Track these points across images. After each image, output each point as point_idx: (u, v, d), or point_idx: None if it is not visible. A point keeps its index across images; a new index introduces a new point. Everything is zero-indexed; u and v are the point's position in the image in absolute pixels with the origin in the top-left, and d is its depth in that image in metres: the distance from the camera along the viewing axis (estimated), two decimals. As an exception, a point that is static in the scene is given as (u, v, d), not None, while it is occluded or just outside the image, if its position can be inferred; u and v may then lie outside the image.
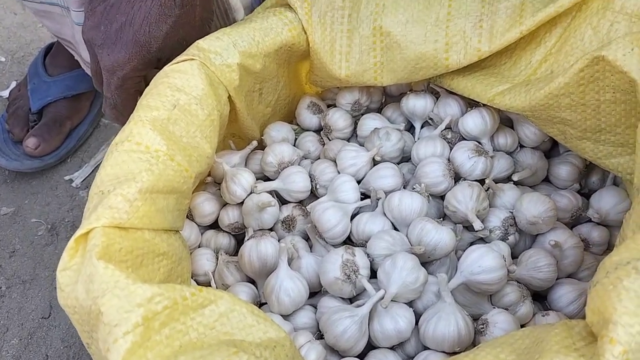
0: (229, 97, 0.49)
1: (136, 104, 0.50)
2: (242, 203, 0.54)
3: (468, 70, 0.53)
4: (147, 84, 0.50)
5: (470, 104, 0.57)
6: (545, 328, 0.33)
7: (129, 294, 0.34)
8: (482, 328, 0.42)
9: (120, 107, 0.50)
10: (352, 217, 0.52)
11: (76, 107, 0.84)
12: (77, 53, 0.72)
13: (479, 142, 0.54)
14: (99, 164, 0.82)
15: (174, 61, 0.47)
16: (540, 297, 0.49)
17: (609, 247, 0.51)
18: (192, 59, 0.46)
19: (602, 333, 0.29)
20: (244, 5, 0.69)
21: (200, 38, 0.49)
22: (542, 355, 0.29)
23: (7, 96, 0.94)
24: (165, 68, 0.46)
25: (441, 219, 0.50)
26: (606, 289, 0.30)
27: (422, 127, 0.60)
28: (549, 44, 0.49)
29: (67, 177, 0.82)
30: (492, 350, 0.32)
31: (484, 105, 0.54)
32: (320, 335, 0.45)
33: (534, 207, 0.48)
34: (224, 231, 0.56)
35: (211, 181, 0.58)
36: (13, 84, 0.98)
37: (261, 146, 0.60)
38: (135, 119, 0.43)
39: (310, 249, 0.53)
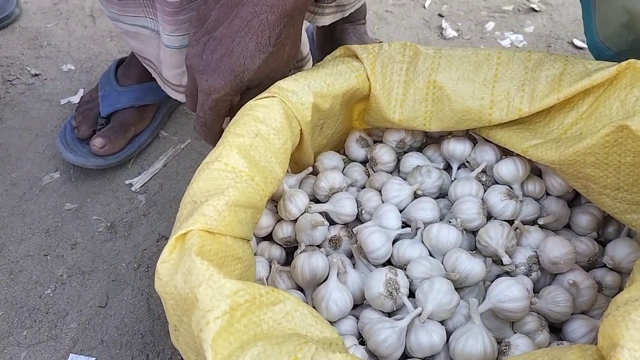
0: (300, 130, 0.57)
1: (222, 124, 0.58)
2: (295, 220, 0.62)
3: (505, 123, 0.60)
4: (232, 109, 0.58)
5: (505, 152, 0.64)
6: (562, 349, 0.39)
7: (220, 286, 0.41)
8: (504, 349, 0.49)
9: (209, 126, 0.57)
10: (393, 242, 0.59)
11: (141, 116, 0.93)
12: (156, 71, 0.81)
13: (511, 187, 0.61)
14: (157, 172, 0.91)
15: (257, 97, 0.55)
16: (556, 330, 0.55)
17: (619, 291, 0.57)
18: (273, 96, 0.55)
19: (610, 354, 0.35)
20: (302, 41, 0.78)
21: (285, 72, 0.57)
22: (560, 369, 0.36)
23: (76, 102, 1.04)
24: (250, 102, 0.54)
25: (473, 251, 0.57)
26: (616, 319, 0.37)
27: (458, 168, 0.67)
28: (581, 109, 0.56)
29: (127, 182, 0.90)
30: (516, 363, 0.39)
31: (517, 155, 0.61)
32: (361, 342, 0.52)
33: (556, 249, 0.55)
34: (276, 243, 0.63)
35: (269, 198, 0.65)
36: (81, 92, 1.07)
37: (314, 172, 0.67)
38: (224, 143, 0.51)
39: (354, 266, 0.60)
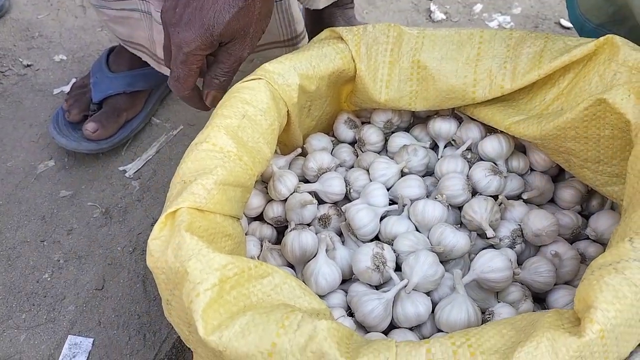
0: (287, 111, 0.58)
1: (195, 80, 0.59)
2: (284, 200, 0.63)
3: (489, 101, 0.61)
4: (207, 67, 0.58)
5: (489, 130, 0.65)
6: (541, 313, 0.41)
7: (209, 259, 0.42)
8: (488, 317, 0.50)
9: (182, 80, 0.58)
10: (381, 219, 0.60)
11: (133, 102, 0.94)
12: (148, 53, 0.81)
13: (495, 163, 0.63)
14: (150, 159, 0.92)
15: (244, 80, 0.56)
16: (541, 300, 0.57)
17: (601, 262, 0.59)
18: (260, 79, 0.56)
19: (585, 316, 0.37)
20: (298, 19, 0.78)
21: (258, 31, 0.57)
22: (536, 331, 0.37)
23: (67, 91, 1.04)
24: (237, 84, 0.55)
25: (458, 225, 0.59)
26: (590, 283, 0.38)
27: (445, 146, 0.68)
28: (562, 85, 0.58)
29: (121, 168, 0.91)
30: (496, 326, 0.40)
31: (501, 132, 0.62)
32: (349, 315, 0.53)
33: (539, 221, 0.56)
34: (267, 223, 0.65)
35: (259, 179, 0.66)
36: (73, 80, 1.08)
37: (302, 153, 0.68)
38: (212, 125, 0.52)
39: (343, 243, 0.61)
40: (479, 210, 0.57)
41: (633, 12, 0.53)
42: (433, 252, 0.53)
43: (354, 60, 0.61)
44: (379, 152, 0.69)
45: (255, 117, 0.54)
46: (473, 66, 0.59)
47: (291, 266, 0.60)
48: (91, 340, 0.71)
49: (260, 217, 0.65)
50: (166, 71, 0.80)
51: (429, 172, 0.67)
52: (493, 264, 0.51)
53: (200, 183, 0.48)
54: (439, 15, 1.14)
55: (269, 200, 0.64)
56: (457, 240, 0.54)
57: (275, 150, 0.68)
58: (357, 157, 0.69)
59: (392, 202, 0.62)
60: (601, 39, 0.54)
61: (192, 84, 0.59)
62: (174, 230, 0.45)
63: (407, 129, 0.72)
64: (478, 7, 1.16)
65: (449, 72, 0.59)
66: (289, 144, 0.67)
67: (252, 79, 0.56)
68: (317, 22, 0.97)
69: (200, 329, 0.40)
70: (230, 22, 0.55)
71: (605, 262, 0.39)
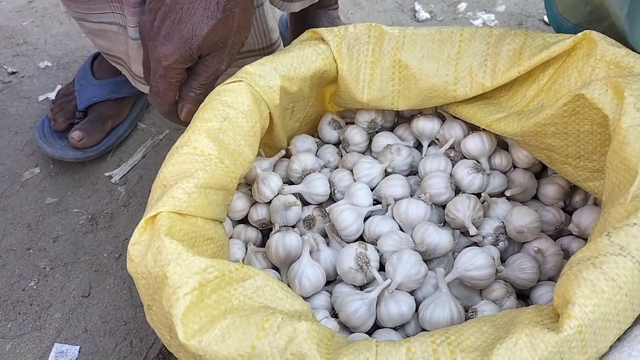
0: (269, 113, 0.58)
1: (175, 94, 0.58)
2: (269, 203, 0.63)
3: (471, 99, 0.61)
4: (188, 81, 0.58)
5: (472, 128, 0.65)
6: (521, 310, 0.41)
7: (189, 263, 0.42)
8: (471, 315, 0.50)
9: (162, 95, 0.57)
10: (365, 219, 0.60)
11: (118, 108, 0.94)
12: (126, 67, 0.81)
13: (478, 161, 0.63)
14: (136, 164, 0.92)
15: (225, 82, 0.56)
16: (525, 297, 0.57)
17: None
18: (241, 81, 0.55)
19: (563, 311, 0.37)
20: (273, 28, 0.78)
21: (237, 42, 0.57)
22: (515, 327, 0.38)
23: (53, 98, 1.04)
24: (218, 87, 0.55)
25: (442, 224, 0.59)
26: (569, 278, 0.38)
27: (429, 145, 0.68)
28: (542, 82, 0.58)
29: (107, 174, 0.91)
30: (476, 324, 0.40)
31: (483, 129, 0.62)
32: (333, 316, 0.53)
33: (521, 218, 0.56)
34: (252, 226, 0.64)
35: (243, 182, 0.66)
36: (58, 87, 1.07)
37: (287, 155, 0.68)
38: (193, 128, 0.52)
39: (327, 244, 0.61)
40: (462, 208, 0.57)
41: (609, 11, 0.54)
42: (416, 250, 0.53)
43: (335, 61, 0.61)
44: (363, 152, 0.69)
45: (237, 120, 0.54)
46: (454, 64, 0.59)
47: (276, 269, 0.60)
48: (77, 347, 0.70)
49: (245, 220, 0.65)
50: (142, 87, 0.80)
51: (413, 171, 0.67)
52: (475, 261, 0.51)
53: (181, 187, 0.47)
54: (423, 14, 1.14)
55: (254, 202, 0.64)
56: (440, 238, 0.54)
57: (260, 153, 0.68)
58: (342, 157, 0.69)
59: (377, 202, 0.62)
60: (579, 34, 0.54)
61: (172, 99, 0.58)
62: (154, 234, 0.44)
63: (391, 129, 0.72)
64: (462, 6, 1.17)
65: (430, 71, 0.60)
66: (273, 146, 0.67)
67: (233, 82, 0.56)
68: (301, 23, 0.97)
69: (180, 334, 0.40)
70: (209, 35, 0.54)
71: (584, 257, 0.40)
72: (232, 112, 0.54)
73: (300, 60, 0.59)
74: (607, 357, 0.38)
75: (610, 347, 0.38)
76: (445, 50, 0.59)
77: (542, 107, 0.56)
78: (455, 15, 1.16)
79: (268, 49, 0.76)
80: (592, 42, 0.53)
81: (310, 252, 0.56)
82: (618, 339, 0.39)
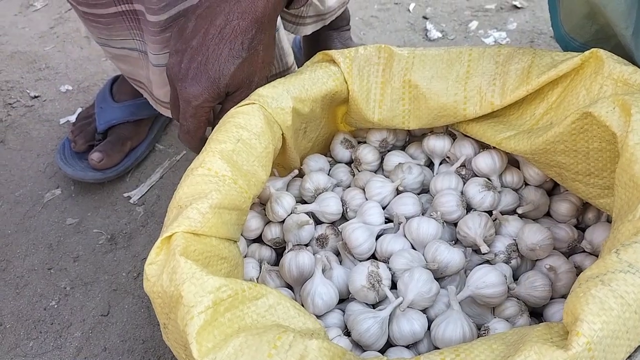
0: (282, 134, 0.59)
1: (204, 132, 0.61)
2: (283, 222, 0.64)
3: (481, 118, 0.62)
4: (214, 116, 0.60)
5: (483, 146, 0.66)
6: (531, 327, 0.41)
7: (203, 282, 0.43)
8: (484, 333, 0.50)
9: (192, 133, 0.60)
10: (377, 237, 0.61)
11: (137, 130, 0.96)
12: (147, 91, 0.83)
13: (489, 179, 0.63)
14: (154, 184, 0.94)
15: (238, 105, 0.57)
16: (539, 315, 0.57)
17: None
18: (254, 103, 0.57)
19: (572, 328, 0.37)
20: (288, 52, 0.81)
21: (262, 78, 0.59)
22: (524, 345, 0.38)
23: (73, 120, 1.07)
24: (231, 110, 0.57)
25: (453, 242, 0.59)
26: (578, 296, 0.39)
27: (440, 163, 0.69)
28: (551, 100, 0.58)
29: (125, 194, 0.93)
30: (486, 342, 0.40)
31: (494, 147, 0.63)
32: (346, 334, 0.54)
33: (533, 235, 0.56)
34: (266, 245, 0.65)
35: (257, 202, 0.67)
36: (79, 110, 1.10)
37: (300, 174, 0.70)
38: (207, 150, 0.53)
39: (340, 263, 0.62)
40: (473, 226, 0.57)
41: (614, 30, 0.54)
42: (428, 269, 0.54)
43: (346, 82, 0.62)
44: (375, 171, 0.70)
45: (250, 141, 0.55)
46: (463, 84, 0.60)
47: (290, 287, 0.61)
48: (97, 365, 0.72)
49: (259, 239, 0.66)
50: (162, 110, 0.82)
51: (424, 190, 0.68)
52: (487, 279, 0.51)
53: (196, 207, 0.49)
54: (435, 34, 1.15)
55: (267, 222, 0.65)
56: (451, 256, 0.55)
57: (273, 173, 0.69)
58: (354, 176, 0.70)
59: (388, 220, 0.63)
60: (587, 52, 0.55)
61: (202, 136, 0.60)
62: (170, 254, 0.46)
63: (403, 147, 0.73)
64: (474, 24, 1.18)
65: (439, 90, 0.61)
66: (286, 166, 0.69)
67: (246, 104, 0.58)
68: (314, 45, 0.99)
69: (195, 352, 0.41)
70: (236, 73, 0.56)
71: (592, 274, 0.40)
72: (245, 134, 0.55)
73: (312, 82, 0.61)
74: (619, 375, 0.38)
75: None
76: (454, 70, 0.60)
77: (551, 125, 0.57)
78: (467, 34, 1.17)
79: (284, 73, 0.78)
80: (600, 60, 0.54)
81: (323, 271, 0.57)
82: (629, 357, 0.38)
